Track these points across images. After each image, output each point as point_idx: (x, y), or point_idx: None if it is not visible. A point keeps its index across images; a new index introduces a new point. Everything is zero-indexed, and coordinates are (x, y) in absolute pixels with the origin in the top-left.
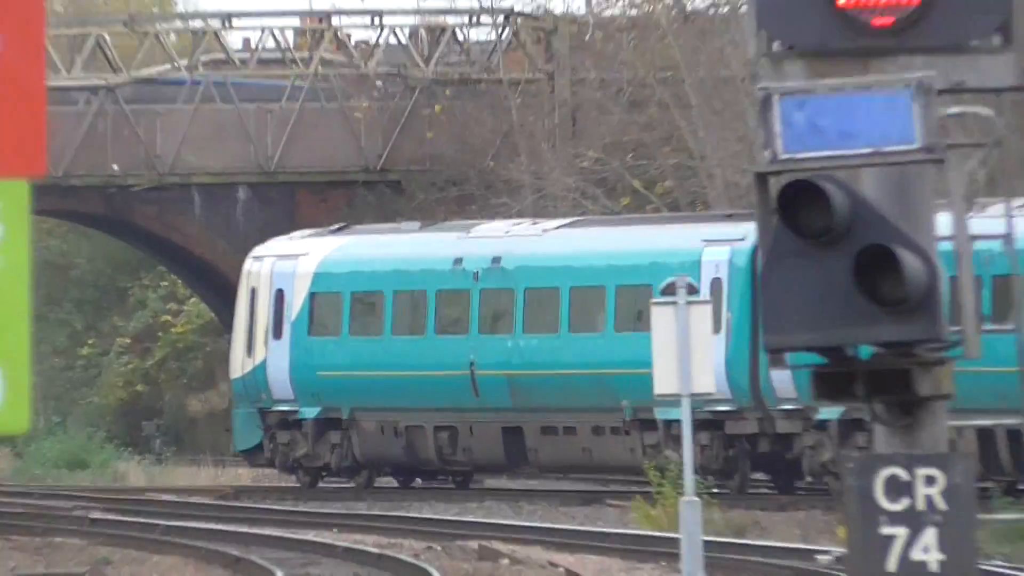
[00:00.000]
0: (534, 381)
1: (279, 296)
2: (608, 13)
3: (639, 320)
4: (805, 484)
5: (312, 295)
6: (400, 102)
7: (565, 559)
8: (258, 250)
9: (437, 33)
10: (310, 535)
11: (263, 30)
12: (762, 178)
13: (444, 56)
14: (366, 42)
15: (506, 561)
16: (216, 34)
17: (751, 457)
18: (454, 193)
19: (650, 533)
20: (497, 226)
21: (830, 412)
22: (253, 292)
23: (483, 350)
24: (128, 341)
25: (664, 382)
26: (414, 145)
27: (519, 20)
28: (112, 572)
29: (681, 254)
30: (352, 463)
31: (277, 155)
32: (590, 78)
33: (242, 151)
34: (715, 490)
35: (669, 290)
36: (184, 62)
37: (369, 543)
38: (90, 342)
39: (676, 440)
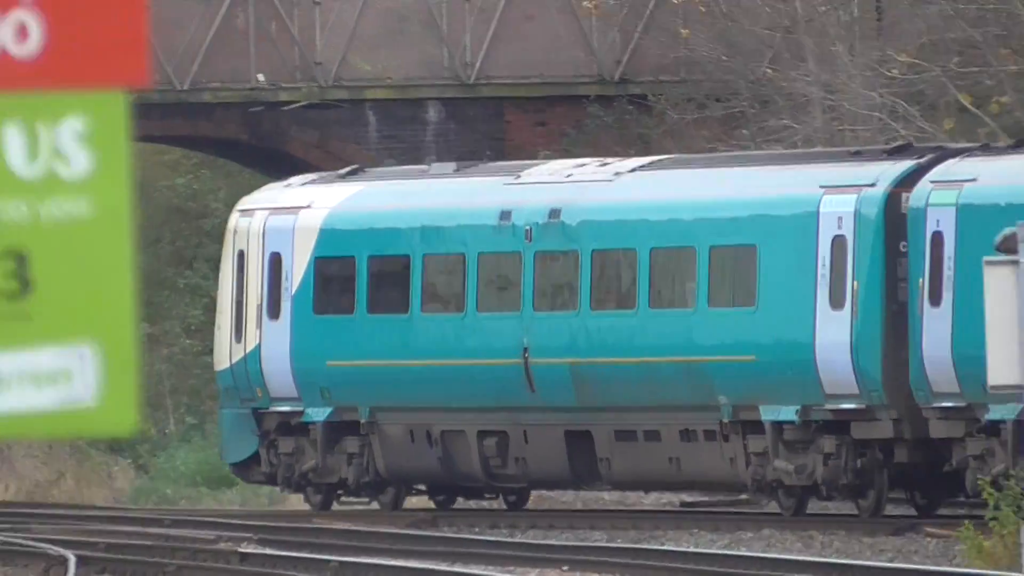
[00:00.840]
0: (605, 372)
1: (275, 261)
2: None
3: (739, 291)
4: (960, 503)
5: (317, 260)
6: None
7: None
8: (246, 201)
9: None
10: (532, 574)
11: None
12: None
13: None
14: None
15: None
16: None
17: (888, 469)
18: (718, 112)
19: (983, 572)
20: (554, 168)
21: (1005, 411)
22: (241, 256)
23: (539, 332)
24: None
25: (1002, 369)
26: (664, 47)
27: None
28: None
29: (793, 204)
30: (375, 478)
31: (480, 60)
32: None
33: (432, 54)
34: None
35: (1008, 244)
36: None
37: None
38: None
39: (790, 447)
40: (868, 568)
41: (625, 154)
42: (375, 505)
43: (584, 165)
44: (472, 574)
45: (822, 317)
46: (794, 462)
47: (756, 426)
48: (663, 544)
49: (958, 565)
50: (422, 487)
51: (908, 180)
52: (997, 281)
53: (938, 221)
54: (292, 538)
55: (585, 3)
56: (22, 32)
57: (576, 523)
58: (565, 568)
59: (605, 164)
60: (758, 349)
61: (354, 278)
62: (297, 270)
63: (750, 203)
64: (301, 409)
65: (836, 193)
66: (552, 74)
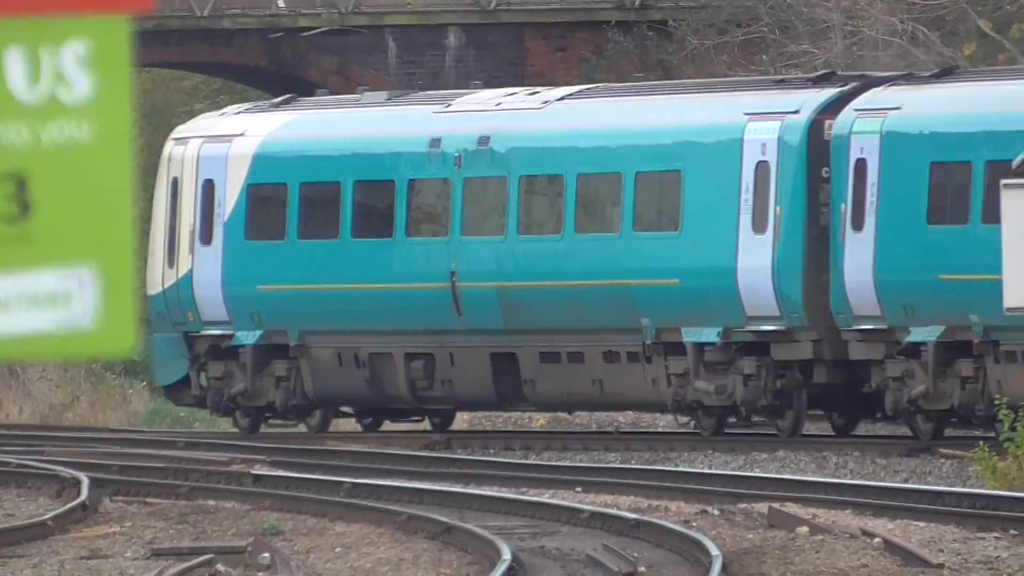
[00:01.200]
0: (531, 295)
1: (208, 188)
2: None
3: (664, 216)
4: (878, 424)
5: (250, 187)
6: None
7: (883, 526)
8: (180, 130)
9: None
10: (545, 495)
11: None
12: None
13: None
14: None
15: (805, 529)
16: None
17: (807, 390)
18: (738, 37)
19: (996, 492)
20: (485, 97)
21: (926, 333)
22: (175, 184)
23: (467, 256)
24: None
25: (1019, 291)
26: None
27: None
28: (283, 546)
29: (718, 131)
30: (303, 401)
31: None
32: None
33: None
34: None
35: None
36: None
37: (624, 506)
38: None
39: (710, 368)
40: (883, 489)
41: (646, 79)
42: (302, 428)
43: (513, 94)
44: (486, 495)
45: (744, 241)
46: (714, 383)
47: (678, 348)
48: (677, 465)
49: (972, 486)
50: (348, 410)
51: (832, 108)
52: (1014, 203)
53: (862, 148)
54: (305, 460)
55: None
56: None
57: (591, 445)
58: (578, 489)
59: (534, 92)
60: (681, 273)
61: (286, 204)
62: (230, 197)
63: (675, 130)
64: (231, 332)
65: (760, 120)
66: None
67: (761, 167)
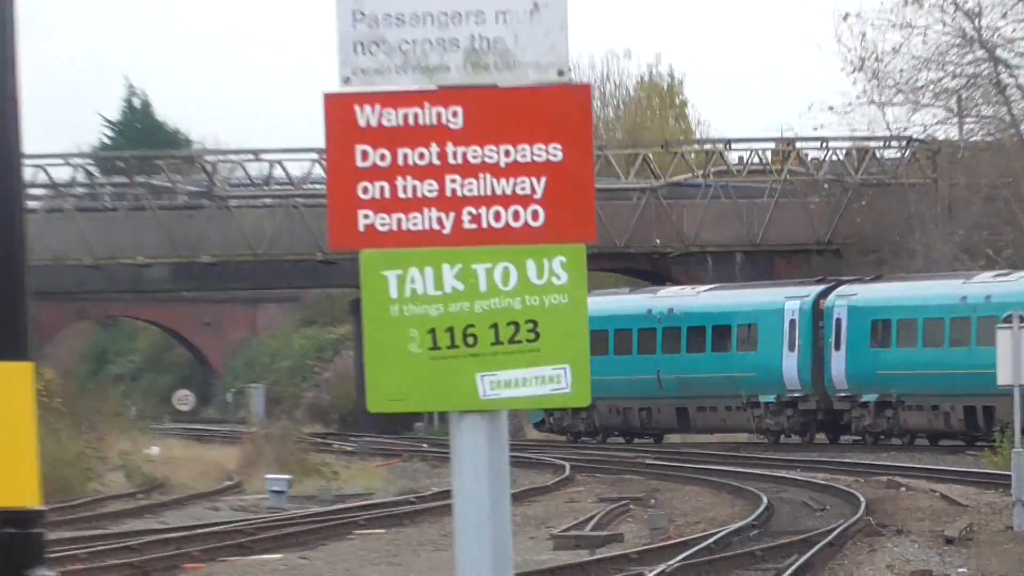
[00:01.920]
0: (693, 381)
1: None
2: (973, 139)
3: (752, 344)
4: (850, 438)
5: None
6: (840, 197)
7: (941, 488)
8: None
9: (864, 152)
10: (781, 473)
11: (751, 151)
12: None
13: (868, 167)
14: (817, 158)
15: (904, 488)
16: (721, 153)
17: (814, 423)
18: (873, 258)
19: (994, 471)
20: (672, 289)
21: (870, 397)
22: None
23: (664, 363)
24: None
25: (1005, 376)
26: (849, 225)
27: (915, 144)
28: (660, 496)
29: (774, 304)
30: (594, 429)
31: (761, 232)
32: (960, 182)
33: (738, 229)
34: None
35: (1008, 320)
36: (700, 171)
37: (818, 478)
38: None
39: (772, 412)
40: (943, 470)
41: (829, 278)
42: (594, 441)
43: (684, 288)
44: (754, 472)
45: (785, 355)
46: (774, 419)
47: (757, 404)
48: (845, 458)
49: (981, 467)
50: (616, 433)
51: (824, 294)
52: (1005, 338)
53: (838, 312)
54: (673, 456)
55: (811, 206)
56: (535, 215)
57: (807, 449)
58: (798, 470)
59: (695, 288)
60: (758, 369)
61: (608, 339)
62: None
63: (755, 304)
64: None
65: (792, 300)
66: (796, 240)
67: (792, 322)
